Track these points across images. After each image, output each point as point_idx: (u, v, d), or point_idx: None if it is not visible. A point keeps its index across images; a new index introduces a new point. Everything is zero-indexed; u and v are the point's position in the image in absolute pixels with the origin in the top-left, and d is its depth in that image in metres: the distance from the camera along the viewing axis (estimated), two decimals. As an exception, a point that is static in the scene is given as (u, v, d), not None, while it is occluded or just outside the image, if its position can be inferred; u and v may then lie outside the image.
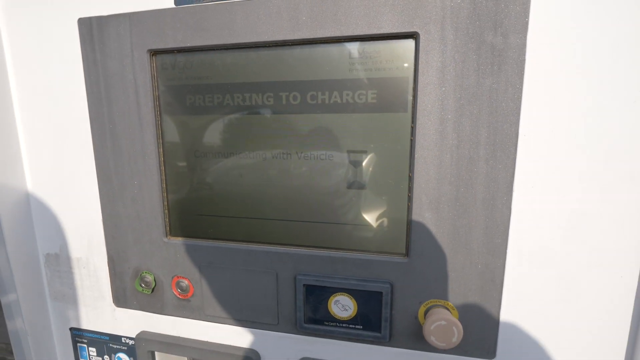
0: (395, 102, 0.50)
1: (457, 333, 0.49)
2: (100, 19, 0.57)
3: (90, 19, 0.57)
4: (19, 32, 0.62)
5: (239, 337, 0.64)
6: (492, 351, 0.53)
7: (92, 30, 0.57)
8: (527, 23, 0.44)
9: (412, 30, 0.47)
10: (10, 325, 0.71)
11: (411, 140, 0.51)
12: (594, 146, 0.45)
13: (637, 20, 0.42)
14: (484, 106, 0.46)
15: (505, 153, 0.47)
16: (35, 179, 0.68)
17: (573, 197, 0.47)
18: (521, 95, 0.45)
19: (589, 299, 0.50)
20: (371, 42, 0.49)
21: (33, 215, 0.70)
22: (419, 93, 0.48)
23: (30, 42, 0.62)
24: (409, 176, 0.51)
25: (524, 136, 0.47)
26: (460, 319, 0.53)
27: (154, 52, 0.56)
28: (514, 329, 0.53)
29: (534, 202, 0.48)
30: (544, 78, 0.45)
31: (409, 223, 0.52)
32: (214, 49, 0.54)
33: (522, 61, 0.45)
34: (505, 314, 0.53)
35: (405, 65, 0.49)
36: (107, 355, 0.73)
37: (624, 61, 0.43)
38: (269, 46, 0.53)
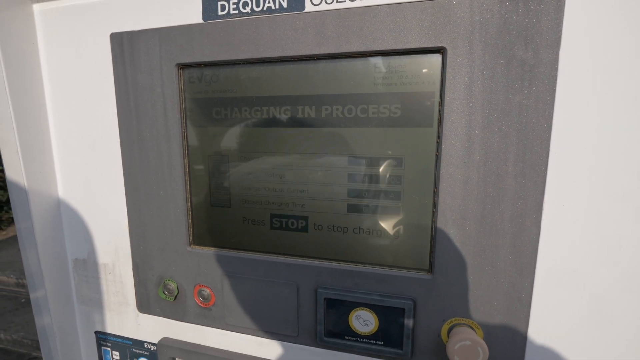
0: (420, 117, 0.50)
1: (482, 354, 0.48)
2: (131, 34, 0.59)
3: (121, 34, 0.59)
4: (55, 45, 0.65)
5: (258, 347, 0.64)
6: (519, 373, 0.51)
7: (123, 45, 0.59)
8: (559, 38, 0.43)
9: (439, 45, 0.46)
10: (38, 323, 0.73)
11: (436, 155, 0.50)
12: (628, 166, 0.44)
13: (679, 35, 0.40)
14: (514, 123, 0.45)
15: (535, 170, 0.46)
16: (66, 187, 0.71)
17: (606, 219, 0.45)
18: (553, 112, 0.44)
19: (622, 325, 0.47)
20: (397, 56, 0.49)
21: (63, 221, 0.72)
22: (446, 108, 0.47)
23: (65, 55, 0.65)
24: (434, 191, 0.51)
25: (555, 154, 0.46)
26: (485, 339, 0.52)
27: (182, 66, 0.58)
28: (542, 352, 0.51)
29: (565, 222, 0.47)
30: (577, 94, 0.44)
31: (433, 239, 0.51)
32: (240, 63, 0.55)
33: (554, 77, 0.44)
34: (533, 336, 0.51)
35: (432, 80, 0.49)
36: (130, 359, 0.74)
37: (664, 77, 0.41)
38: (295, 60, 0.53)
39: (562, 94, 0.44)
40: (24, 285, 3.15)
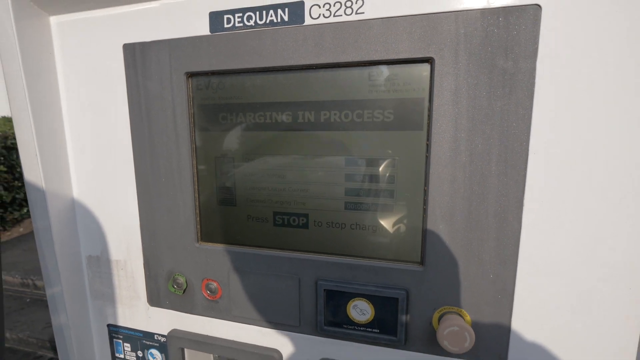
0: (411, 121, 0.54)
1: (469, 338, 0.52)
2: (142, 44, 0.63)
3: (134, 44, 0.63)
4: (70, 55, 0.69)
5: (262, 337, 0.69)
6: (504, 357, 0.56)
7: (135, 55, 0.64)
8: (536, 49, 0.47)
9: (427, 55, 0.51)
10: (54, 318, 0.77)
11: (426, 156, 0.54)
12: (600, 165, 0.48)
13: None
14: (496, 126, 0.50)
15: (516, 170, 0.50)
16: (81, 188, 0.75)
17: (583, 212, 0.50)
18: (531, 116, 0.48)
19: (599, 310, 0.52)
20: (389, 65, 0.53)
21: (78, 221, 0.77)
22: (434, 113, 0.52)
23: (79, 64, 0.69)
24: (425, 190, 0.55)
25: (534, 154, 0.50)
26: (472, 326, 0.56)
27: (191, 75, 0.62)
28: (525, 337, 0.55)
29: (544, 217, 0.51)
30: (553, 100, 0.48)
31: (424, 234, 0.56)
32: (244, 72, 0.60)
33: (532, 84, 0.48)
34: (517, 322, 0.55)
35: (422, 87, 0.53)
36: (141, 350, 0.79)
37: (630, 84, 0.45)
38: (295, 69, 0.57)
39: (539, 100, 0.48)
40: (29, 285, 3.20)
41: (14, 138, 4.29)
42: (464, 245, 0.54)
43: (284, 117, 0.60)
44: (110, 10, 0.65)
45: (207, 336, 0.72)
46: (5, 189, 4.22)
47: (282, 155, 0.61)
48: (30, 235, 4.24)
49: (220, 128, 0.63)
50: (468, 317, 0.56)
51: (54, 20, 0.69)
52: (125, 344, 0.80)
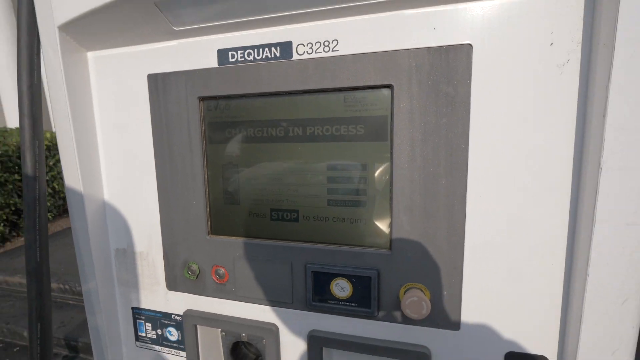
0: (378, 134, 0.68)
1: (426, 307, 0.66)
2: (163, 74, 0.78)
3: (156, 75, 0.78)
4: (103, 83, 0.84)
5: (263, 313, 0.82)
6: (457, 324, 0.69)
7: (157, 83, 0.79)
8: (470, 77, 0.61)
9: (388, 82, 0.65)
10: (88, 305, 0.91)
11: (390, 162, 0.68)
12: (523, 166, 0.61)
13: (548, 77, 0.58)
14: (442, 137, 0.63)
15: (459, 171, 0.64)
16: (111, 192, 0.89)
17: (511, 205, 0.63)
18: (469, 129, 0.62)
19: (528, 281, 0.65)
20: (359, 90, 0.68)
21: (107, 220, 0.91)
22: (395, 128, 0.66)
23: (111, 90, 0.84)
24: (390, 189, 0.69)
25: (472, 159, 0.64)
26: (431, 298, 0.69)
27: (202, 98, 0.77)
28: (473, 304, 0.68)
29: (482, 208, 0.65)
30: (485, 116, 0.62)
31: (391, 224, 0.69)
32: (245, 96, 0.74)
33: (468, 104, 0.62)
34: (466, 294, 0.68)
35: (385, 107, 0.67)
36: (160, 329, 0.92)
37: (538, 105, 0.59)
38: (286, 94, 0.72)
39: (474, 116, 0.62)
40: (44, 289, 3.35)
41: (29, 149, 4.48)
42: (422, 232, 0.67)
43: (278, 132, 0.74)
44: (136, 47, 0.80)
45: (216, 314, 0.86)
46: (19, 196, 4.41)
47: (277, 162, 0.75)
48: (43, 242, 4.37)
49: (226, 141, 0.78)
50: (428, 292, 0.69)
51: (90, 55, 0.84)
52: (146, 324, 0.93)
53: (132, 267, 0.92)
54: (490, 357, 0.69)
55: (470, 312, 0.69)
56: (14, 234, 4.50)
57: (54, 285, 3.34)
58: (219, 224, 0.82)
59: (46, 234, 0.93)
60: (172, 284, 0.87)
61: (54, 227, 5.08)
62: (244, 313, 0.84)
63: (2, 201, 4.26)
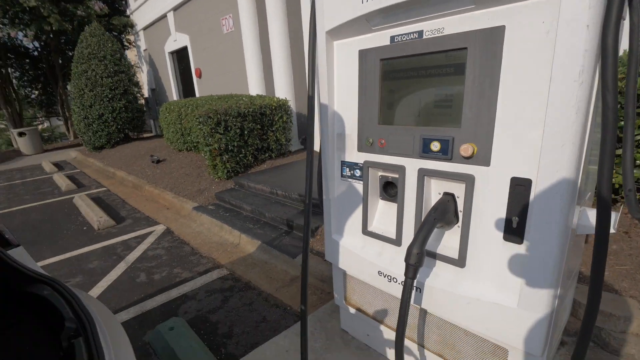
0: (459, 72, 1.46)
1: (472, 150, 1.43)
2: (366, 50, 1.76)
3: (362, 50, 1.77)
4: (339, 55, 1.90)
5: (398, 160, 1.75)
6: (488, 161, 1.43)
7: (363, 54, 1.77)
8: (502, 44, 1.32)
9: (464, 46, 1.42)
10: (324, 167, 2.07)
11: (464, 85, 1.45)
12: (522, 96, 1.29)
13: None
14: (488, 74, 1.37)
15: (494, 92, 1.36)
16: (337, 107, 1.98)
17: (518, 109, 1.32)
18: (500, 74, 1.34)
19: (529, 131, 1.33)
20: (452, 51, 1.47)
21: (335, 120, 2.02)
22: (467, 69, 1.43)
23: (343, 59, 1.89)
24: (463, 98, 1.46)
25: (500, 88, 1.35)
26: (477, 150, 1.45)
27: (382, 59, 1.71)
28: (497, 154, 1.41)
29: (505, 111, 1.36)
30: (509, 71, 1.32)
31: (461, 113, 1.48)
32: (401, 57, 1.64)
33: (500, 59, 1.33)
34: (494, 150, 1.41)
35: (463, 58, 1.44)
36: (351, 171, 1.99)
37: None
38: (420, 55, 1.58)
39: (503, 69, 1.33)
40: (273, 193, 5.32)
41: (266, 108, 6.72)
42: (474, 119, 1.43)
43: (412, 73, 1.61)
44: (354, 38, 1.80)
45: (377, 162, 1.84)
46: (259, 140, 6.70)
47: (413, 87, 1.63)
48: (269, 171, 6.55)
49: (391, 79, 1.70)
50: (475, 146, 1.45)
51: (335, 43, 1.91)
52: (346, 168, 2.02)
53: (342, 141, 2.00)
54: (506, 180, 1.40)
55: (496, 159, 1.41)
56: (255, 163, 6.93)
57: (280, 192, 5.24)
58: (383, 119, 1.77)
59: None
60: (360, 148, 1.91)
61: (280, 162, 7.38)
62: (390, 161, 1.79)
63: (251, 142, 6.63)
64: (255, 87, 8.51)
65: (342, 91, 1.94)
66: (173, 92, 13.79)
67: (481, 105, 1.40)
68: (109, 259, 4.62)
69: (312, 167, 1.91)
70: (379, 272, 1.96)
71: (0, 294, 1.54)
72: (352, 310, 2.39)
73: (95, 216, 5.92)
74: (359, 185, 2.00)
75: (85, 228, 5.86)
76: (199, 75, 11.56)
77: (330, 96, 1.95)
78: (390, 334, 2.21)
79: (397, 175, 1.79)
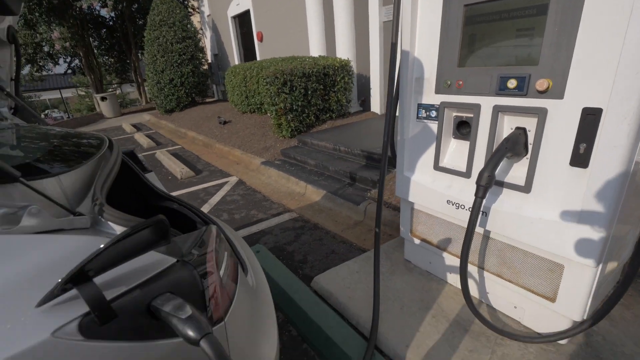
0: (541, 12, 1.62)
1: (547, 85, 1.62)
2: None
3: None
4: (421, 9, 2.10)
5: (474, 99, 1.97)
6: (562, 94, 1.61)
7: (448, 2, 1.96)
8: (587, -19, 1.46)
9: (546, 2, 1.57)
10: (402, 108, 2.33)
11: (544, 25, 1.62)
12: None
13: None
14: (570, 12, 1.52)
15: (574, 28, 1.52)
16: (417, 52, 2.21)
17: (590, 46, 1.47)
18: (581, 13, 1.49)
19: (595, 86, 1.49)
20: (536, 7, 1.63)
21: (414, 67, 2.25)
22: (549, 10, 1.59)
23: (430, 10, 2.09)
24: (542, 35, 1.63)
25: (581, 24, 1.50)
26: (552, 85, 1.63)
27: (465, 5, 1.89)
28: (572, 89, 1.58)
29: (581, 49, 1.51)
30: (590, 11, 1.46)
31: (540, 51, 1.65)
32: (482, 2, 1.81)
33: (582, 6, 1.48)
34: (568, 85, 1.58)
35: (546, 2, 1.60)
36: (427, 112, 2.24)
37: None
38: (492, 0, 1.75)
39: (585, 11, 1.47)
40: (336, 149, 5.69)
41: (329, 68, 6.96)
42: (553, 55, 1.60)
43: (494, 17, 1.79)
44: (441, -13, 1.99)
45: (453, 102, 2.07)
46: (322, 100, 7.01)
47: (493, 31, 1.81)
48: (330, 130, 6.87)
49: (472, 24, 1.89)
50: (551, 82, 1.63)
51: (421, -7, 2.11)
52: (421, 110, 2.27)
53: (420, 85, 2.24)
54: (577, 110, 1.57)
55: (569, 91, 1.58)
56: (316, 123, 7.31)
57: (342, 148, 5.59)
58: (462, 61, 1.98)
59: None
60: (437, 90, 2.14)
61: (340, 122, 7.69)
62: (466, 100, 2.01)
63: (314, 102, 6.98)
64: (316, 48, 8.71)
65: (423, 37, 2.16)
66: (235, 57, 14.42)
67: (561, 42, 1.57)
68: (194, 202, 5.37)
69: (392, 108, 2.19)
70: (448, 201, 2.24)
71: (142, 207, 2.05)
72: (417, 241, 2.72)
73: (177, 167, 6.77)
74: (433, 125, 2.25)
75: (170, 177, 6.74)
76: (261, 39, 11.96)
77: (412, 43, 2.18)
78: (451, 261, 2.52)
79: (471, 115, 2.02)
